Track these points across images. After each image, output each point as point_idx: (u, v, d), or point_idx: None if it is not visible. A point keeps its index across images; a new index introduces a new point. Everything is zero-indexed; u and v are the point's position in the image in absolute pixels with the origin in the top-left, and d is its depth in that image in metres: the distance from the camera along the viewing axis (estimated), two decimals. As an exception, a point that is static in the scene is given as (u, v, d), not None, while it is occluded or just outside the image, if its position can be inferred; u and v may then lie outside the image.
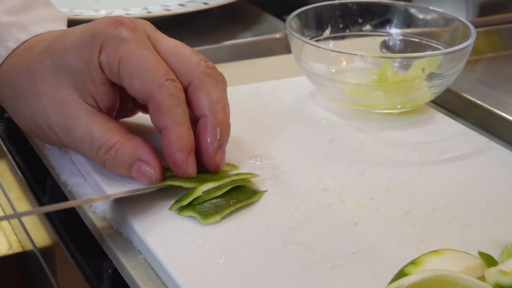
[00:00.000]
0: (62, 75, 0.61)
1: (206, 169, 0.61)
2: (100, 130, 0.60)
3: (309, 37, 0.77)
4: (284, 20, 0.99)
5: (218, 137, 0.60)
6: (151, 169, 0.59)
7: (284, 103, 0.76)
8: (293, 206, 0.59)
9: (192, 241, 0.54)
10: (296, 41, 0.74)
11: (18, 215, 0.80)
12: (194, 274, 0.51)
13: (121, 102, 0.63)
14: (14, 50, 0.65)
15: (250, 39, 0.94)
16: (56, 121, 0.61)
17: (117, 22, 0.61)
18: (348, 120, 0.72)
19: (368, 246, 0.54)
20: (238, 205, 0.58)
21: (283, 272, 0.51)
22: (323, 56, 0.73)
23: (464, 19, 0.76)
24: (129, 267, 0.54)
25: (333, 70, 0.74)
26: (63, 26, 0.69)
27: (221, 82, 0.62)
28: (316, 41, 0.78)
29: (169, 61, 0.61)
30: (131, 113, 0.68)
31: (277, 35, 0.96)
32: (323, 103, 0.76)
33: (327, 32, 0.80)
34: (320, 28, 0.80)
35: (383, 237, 0.56)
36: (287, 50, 0.93)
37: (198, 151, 0.61)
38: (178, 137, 0.59)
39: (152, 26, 0.63)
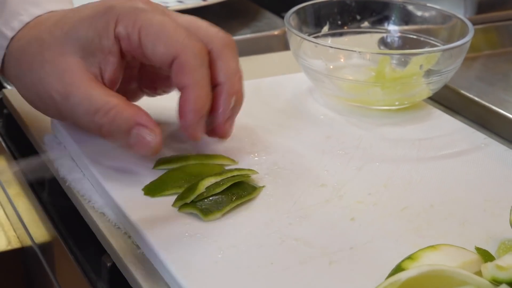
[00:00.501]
0: (70, 44, 0.61)
1: (201, 164, 0.61)
2: (99, 93, 0.60)
3: (307, 34, 0.77)
4: (282, 17, 0.99)
5: (232, 105, 0.62)
6: (152, 134, 0.59)
7: (283, 100, 0.76)
8: (291, 201, 0.59)
9: (190, 235, 0.54)
10: (295, 38, 0.74)
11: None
12: (192, 268, 0.51)
13: (125, 81, 0.64)
14: (26, 24, 0.65)
15: (248, 35, 0.94)
16: (56, 87, 0.61)
17: None
18: (346, 116, 0.72)
19: (366, 241, 0.55)
20: (239, 202, 0.58)
21: (281, 267, 0.52)
22: (321, 53, 0.74)
23: (462, 16, 0.77)
24: (128, 262, 0.55)
25: (331, 67, 0.75)
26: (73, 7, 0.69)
27: (236, 54, 0.63)
28: (315, 37, 0.78)
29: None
30: (136, 95, 0.68)
31: (276, 32, 0.96)
32: (321, 99, 0.76)
33: (325, 29, 0.80)
34: (319, 24, 0.80)
35: (381, 232, 0.56)
36: (285, 46, 0.93)
37: (210, 117, 0.61)
38: (196, 98, 0.59)
39: (165, 7, 0.64)
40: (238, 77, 0.62)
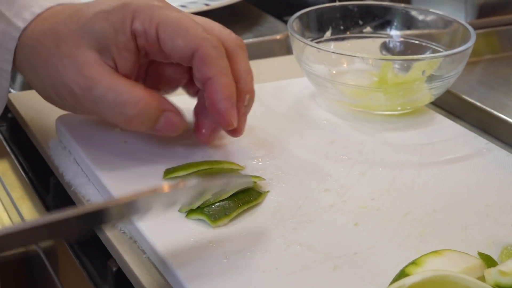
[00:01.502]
0: (86, 38, 0.62)
1: (211, 169, 0.62)
2: (124, 86, 0.61)
3: (310, 39, 0.78)
4: (284, 21, 1.00)
5: (245, 104, 0.63)
6: (178, 117, 0.62)
7: (285, 104, 0.76)
8: (295, 206, 0.59)
9: (196, 241, 0.55)
10: (298, 43, 0.74)
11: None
12: (197, 273, 0.52)
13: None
14: (39, 15, 0.65)
15: (251, 40, 0.95)
16: (75, 80, 0.61)
17: None
18: (348, 121, 0.73)
19: (370, 247, 0.55)
20: (245, 207, 0.58)
21: (286, 272, 0.52)
22: (324, 58, 0.74)
23: (463, 22, 0.77)
24: (133, 266, 0.55)
25: (334, 72, 0.75)
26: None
27: (247, 55, 0.65)
28: (317, 42, 0.79)
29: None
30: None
31: (278, 36, 0.96)
32: (324, 104, 0.76)
33: (328, 34, 0.81)
34: (321, 29, 0.80)
35: (384, 237, 0.56)
36: (287, 51, 0.93)
37: None
38: (224, 86, 0.61)
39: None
40: (250, 77, 0.64)
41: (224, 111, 0.61)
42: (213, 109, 0.61)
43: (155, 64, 0.66)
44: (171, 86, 0.68)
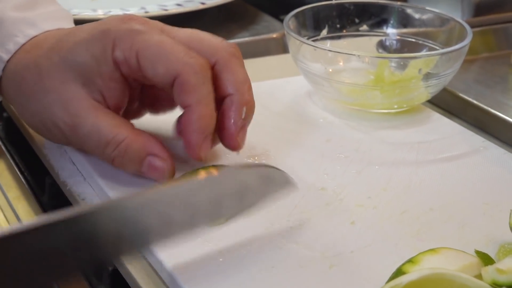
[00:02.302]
0: (69, 71, 0.60)
1: None
2: (108, 125, 0.59)
3: (306, 37, 0.78)
4: (281, 20, 1.00)
5: (243, 117, 0.61)
6: (164, 163, 0.59)
7: (282, 103, 0.76)
8: (292, 205, 0.59)
9: (191, 240, 0.54)
10: (294, 41, 0.74)
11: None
12: (193, 273, 0.52)
13: (128, 102, 0.63)
14: (22, 45, 0.64)
15: (247, 39, 0.95)
16: (62, 118, 0.60)
17: (127, 17, 0.61)
18: (345, 119, 0.73)
19: (366, 245, 0.55)
20: None
21: (282, 271, 0.52)
22: (320, 56, 0.74)
23: (460, 20, 0.77)
24: (129, 266, 0.55)
25: (330, 70, 0.75)
26: (70, 24, 0.69)
27: (243, 64, 0.62)
28: (313, 41, 0.78)
29: (190, 46, 0.60)
30: (138, 114, 0.67)
31: (274, 35, 0.96)
32: (320, 102, 0.76)
33: (324, 32, 0.81)
34: (317, 28, 0.80)
35: (381, 235, 0.56)
36: (284, 49, 0.93)
37: (221, 129, 0.61)
38: (199, 118, 0.58)
39: (162, 23, 0.63)
40: (247, 86, 0.61)
41: (193, 144, 0.59)
42: (184, 139, 0.59)
43: (147, 86, 0.64)
44: (168, 107, 0.66)
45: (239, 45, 0.92)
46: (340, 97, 0.74)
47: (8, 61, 0.64)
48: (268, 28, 0.98)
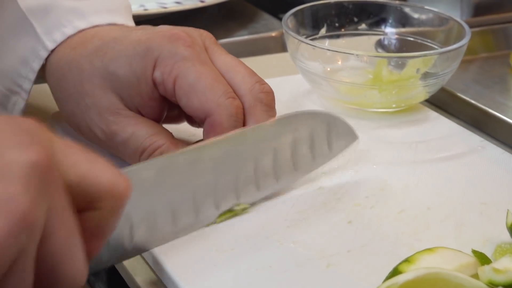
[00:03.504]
0: (109, 80, 0.60)
1: None
2: (145, 133, 0.59)
3: (305, 36, 0.78)
4: (279, 19, 1.00)
5: None
6: None
7: (280, 102, 0.75)
8: (289, 204, 0.59)
9: (188, 238, 0.55)
10: (292, 40, 0.74)
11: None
12: (190, 271, 0.52)
13: (167, 109, 0.62)
14: (68, 37, 0.64)
15: (246, 37, 0.95)
16: (99, 125, 0.60)
17: (174, 36, 0.59)
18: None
19: (363, 244, 0.55)
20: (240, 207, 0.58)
21: (279, 270, 0.52)
22: (319, 55, 0.74)
23: (459, 19, 0.77)
24: (126, 263, 0.55)
25: (328, 69, 0.75)
26: (125, 18, 0.67)
27: (272, 108, 0.60)
28: (312, 40, 0.78)
29: (225, 75, 0.59)
30: (177, 120, 0.65)
31: (273, 34, 0.96)
32: (318, 101, 0.76)
33: (323, 31, 0.81)
34: (316, 27, 0.80)
35: (378, 235, 0.56)
36: (283, 48, 0.93)
37: None
38: None
39: (212, 38, 0.62)
40: None
41: None
42: None
43: None
44: (198, 123, 0.64)
45: (238, 43, 0.93)
46: (338, 96, 0.74)
47: (52, 51, 0.64)
48: (267, 27, 0.98)
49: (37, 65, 0.64)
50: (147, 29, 0.62)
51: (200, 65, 0.58)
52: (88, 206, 0.40)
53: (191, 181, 0.54)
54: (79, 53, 0.62)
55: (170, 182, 0.53)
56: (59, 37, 0.64)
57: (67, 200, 0.39)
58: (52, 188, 0.37)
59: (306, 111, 0.61)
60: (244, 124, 0.59)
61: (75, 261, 0.39)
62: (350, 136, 0.63)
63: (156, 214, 0.52)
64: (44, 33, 0.64)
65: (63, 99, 0.63)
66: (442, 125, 0.73)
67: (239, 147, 0.56)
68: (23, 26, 0.65)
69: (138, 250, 0.52)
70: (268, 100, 0.60)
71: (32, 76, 0.65)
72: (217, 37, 0.93)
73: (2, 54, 0.66)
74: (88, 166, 0.40)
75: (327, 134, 0.61)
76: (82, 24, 0.64)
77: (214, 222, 0.56)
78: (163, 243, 0.53)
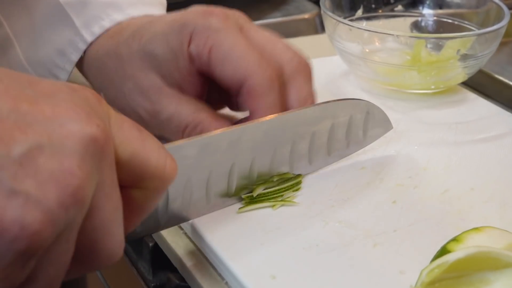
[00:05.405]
0: (148, 61, 0.60)
1: None
2: (188, 110, 0.59)
3: (341, 17, 0.77)
4: (312, 1, 0.99)
5: None
6: None
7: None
8: (332, 184, 0.59)
9: (234, 218, 0.55)
10: (330, 20, 0.74)
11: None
12: (237, 249, 0.52)
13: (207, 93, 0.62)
14: (106, 29, 0.64)
15: (279, 19, 0.94)
16: (142, 104, 0.61)
17: (207, 12, 0.60)
18: (382, 99, 0.72)
19: (409, 224, 0.55)
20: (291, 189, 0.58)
21: (326, 249, 0.52)
22: (356, 36, 0.74)
23: (497, 0, 0.76)
24: (170, 241, 0.55)
25: (367, 50, 0.74)
26: (161, 10, 0.68)
27: (312, 80, 0.60)
28: (349, 21, 0.78)
29: (263, 50, 0.59)
30: (218, 105, 0.65)
31: (306, 16, 0.96)
32: (356, 82, 0.76)
33: (359, 12, 0.80)
34: (353, 8, 0.80)
35: (423, 215, 0.56)
36: (315, 30, 0.93)
37: None
38: None
39: (245, 17, 0.62)
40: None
41: None
42: None
43: None
44: (238, 105, 0.64)
45: (271, 25, 0.93)
46: (376, 77, 0.73)
47: (91, 43, 0.65)
48: (299, 9, 0.98)
49: (75, 57, 0.65)
50: (181, 11, 0.62)
51: (233, 35, 0.58)
52: (133, 184, 0.41)
53: (230, 160, 0.54)
54: (117, 40, 0.63)
55: (210, 160, 0.53)
56: (97, 30, 0.65)
57: (115, 176, 0.39)
58: (104, 164, 0.38)
59: (348, 99, 0.61)
60: (283, 94, 0.59)
61: (115, 236, 0.39)
62: (386, 125, 0.63)
63: (192, 190, 0.52)
64: (83, 26, 0.65)
65: (104, 87, 0.64)
66: (481, 107, 0.73)
67: (279, 129, 0.57)
68: (60, 18, 0.65)
69: (172, 223, 0.53)
70: (307, 70, 0.60)
71: (70, 67, 0.66)
72: (251, 18, 0.93)
73: (38, 44, 0.67)
74: (140, 144, 0.40)
75: (364, 122, 0.61)
76: (119, 17, 0.65)
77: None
78: (196, 216, 0.54)
